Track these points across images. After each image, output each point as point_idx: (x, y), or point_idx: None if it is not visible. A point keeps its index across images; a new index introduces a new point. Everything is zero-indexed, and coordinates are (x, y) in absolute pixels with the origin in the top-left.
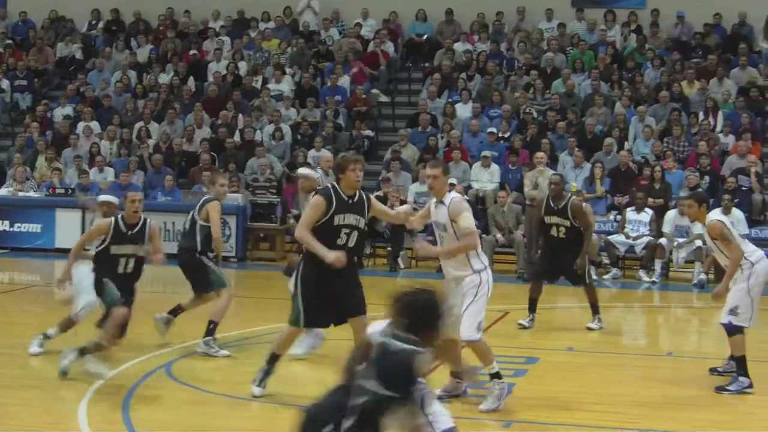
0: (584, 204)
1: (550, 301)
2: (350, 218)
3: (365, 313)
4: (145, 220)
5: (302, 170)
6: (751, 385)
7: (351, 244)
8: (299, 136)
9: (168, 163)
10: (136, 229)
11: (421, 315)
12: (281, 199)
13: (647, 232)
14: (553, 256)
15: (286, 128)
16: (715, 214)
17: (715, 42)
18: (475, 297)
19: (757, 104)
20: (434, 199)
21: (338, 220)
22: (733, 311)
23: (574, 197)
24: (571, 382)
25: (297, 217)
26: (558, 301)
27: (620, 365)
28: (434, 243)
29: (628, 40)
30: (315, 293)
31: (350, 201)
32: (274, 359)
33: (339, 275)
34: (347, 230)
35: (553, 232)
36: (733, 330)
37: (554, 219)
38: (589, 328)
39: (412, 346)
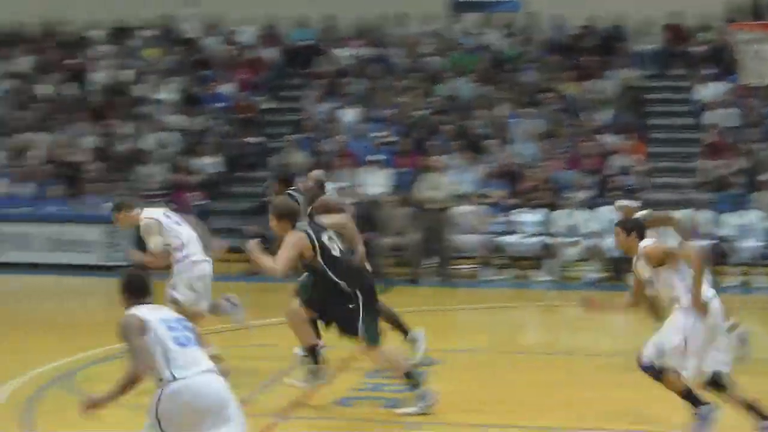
0: None
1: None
2: None
3: None
4: None
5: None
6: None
7: None
8: (185, 145)
9: (55, 174)
10: None
11: None
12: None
13: (539, 232)
14: None
15: (171, 136)
16: (649, 240)
17: (593, 43)
18: None
19: (637, 103)
20: None
21: None
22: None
23: None
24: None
25: None
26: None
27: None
28: None
29: (507, 43)
30: None
31: None
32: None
33: None
34: None
35: None
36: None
37: None
38: None
39: None
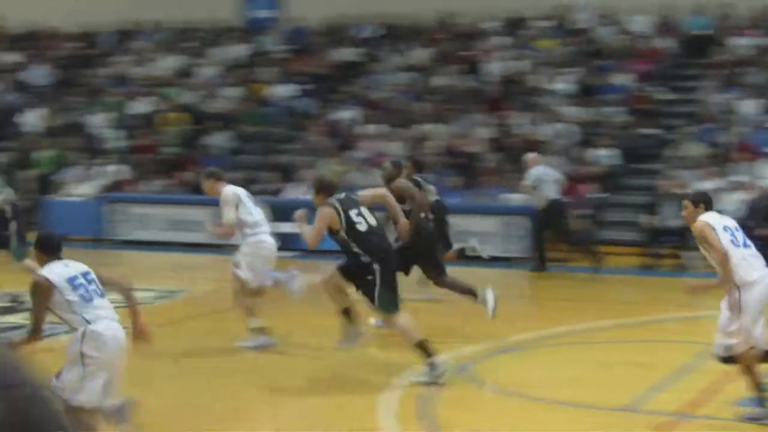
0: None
1: None
2: None
3: None
4: None
5: None
6: None
7: None
8: (582, 136)
9: (451, 164)
10: None
11: None
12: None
13: None
14: None
15: (567, 127)
16: (710, 215)
17: None
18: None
19: None
20: None
21: None
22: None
23: None
24: None
25: None
26: None
27: None
28: None
29: None
30: None
31: None
32: None
33: None
34: None
35: None
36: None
37: None
38: None
39: None
